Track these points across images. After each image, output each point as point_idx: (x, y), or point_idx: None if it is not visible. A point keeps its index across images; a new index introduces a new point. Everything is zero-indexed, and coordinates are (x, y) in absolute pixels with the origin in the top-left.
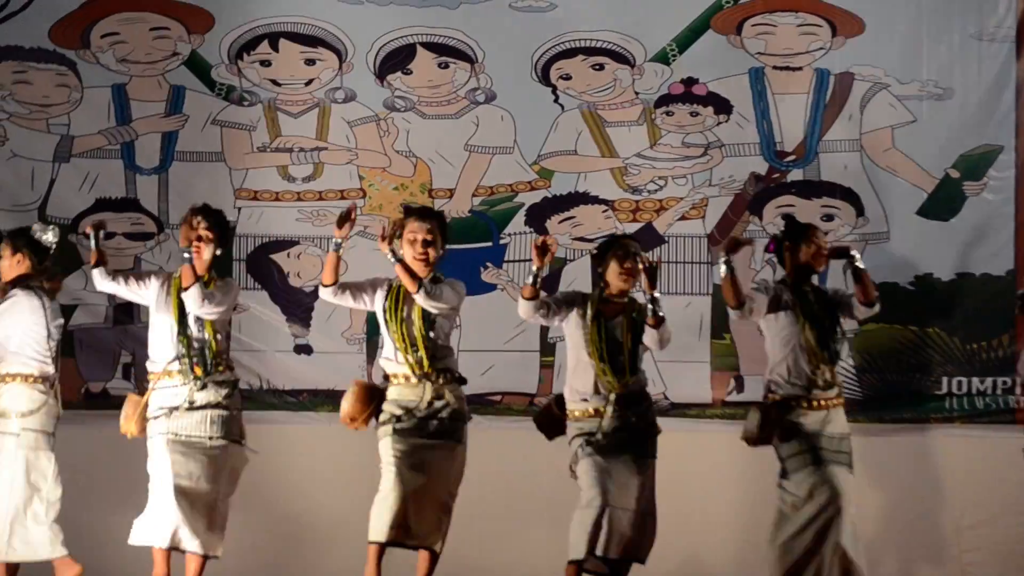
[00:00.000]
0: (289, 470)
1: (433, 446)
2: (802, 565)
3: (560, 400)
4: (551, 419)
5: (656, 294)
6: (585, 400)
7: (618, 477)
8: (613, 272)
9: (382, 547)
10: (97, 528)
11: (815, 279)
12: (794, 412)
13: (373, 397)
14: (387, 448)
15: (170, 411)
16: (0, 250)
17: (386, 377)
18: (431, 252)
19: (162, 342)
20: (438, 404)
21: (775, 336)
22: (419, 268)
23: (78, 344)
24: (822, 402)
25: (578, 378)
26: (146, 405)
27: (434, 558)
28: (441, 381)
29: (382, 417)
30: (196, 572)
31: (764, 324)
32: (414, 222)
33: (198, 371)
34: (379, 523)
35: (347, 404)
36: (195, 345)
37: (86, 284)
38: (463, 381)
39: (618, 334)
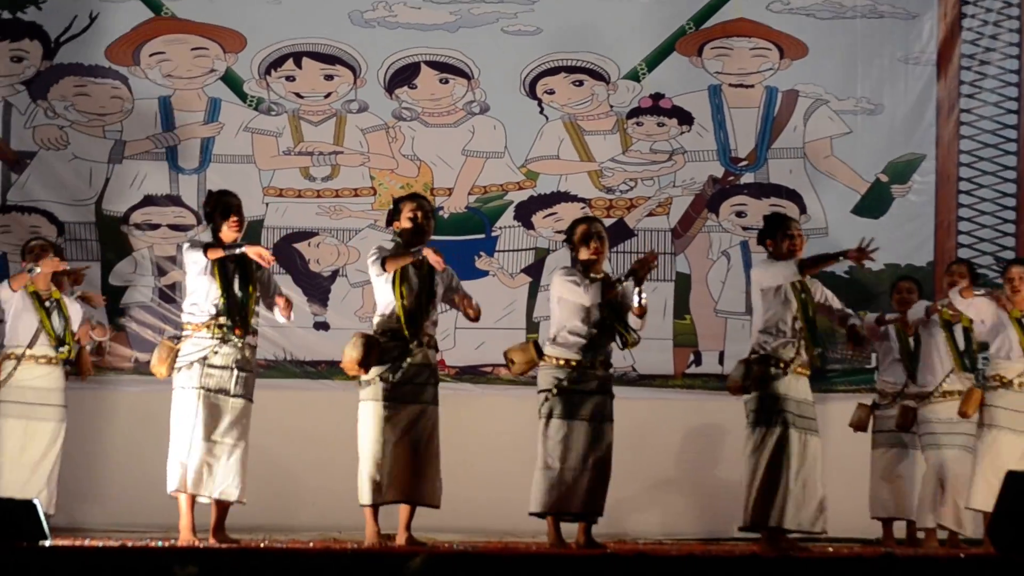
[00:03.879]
0: (307, 430)
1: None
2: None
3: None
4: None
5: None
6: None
7: (583, 438)
8: (584, 252)
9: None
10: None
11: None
12: (771, 370)
13: (374, 346)
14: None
15: (200, 362)
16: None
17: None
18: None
19: (206, 299)
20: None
21: (765, 308)
22: (419, 241)
23: (129, 320)
24: (797, 369)
25: (576, 336)
26: (178, 352)
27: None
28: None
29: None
30: (220, 517)
31: (759, 296)
32: (410, 201)
33: (239, 332)
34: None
35: (355, 351)
36: (238, 309)
37: (135, 268)
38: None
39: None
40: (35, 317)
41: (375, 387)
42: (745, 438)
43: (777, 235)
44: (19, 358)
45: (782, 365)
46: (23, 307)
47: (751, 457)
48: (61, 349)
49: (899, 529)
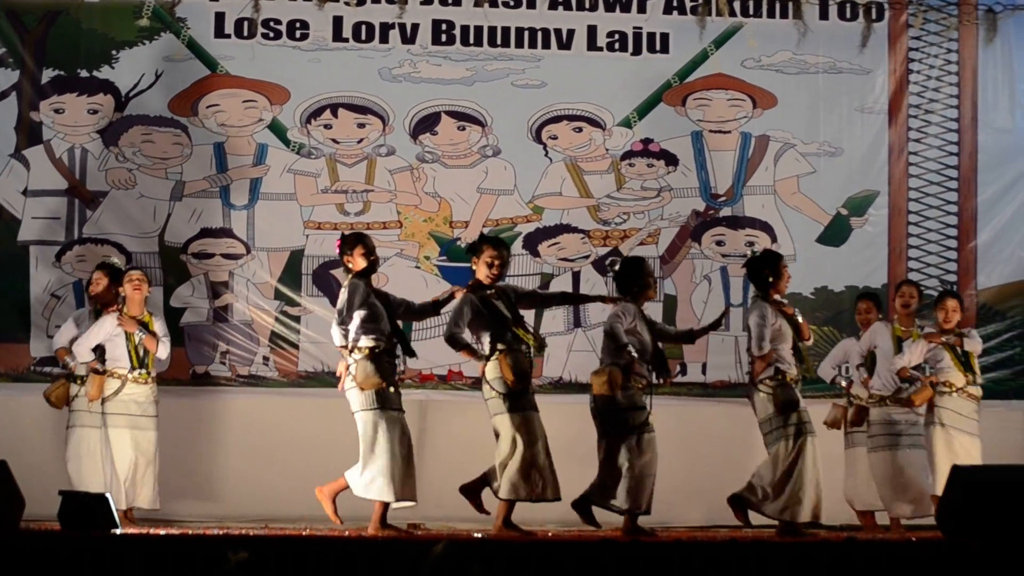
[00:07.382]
0: (340, 433)
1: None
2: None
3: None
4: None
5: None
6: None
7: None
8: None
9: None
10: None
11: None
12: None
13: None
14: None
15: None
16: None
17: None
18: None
19: (378, 327)
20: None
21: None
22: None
23: (186, 337)
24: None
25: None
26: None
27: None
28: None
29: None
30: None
31: (764, 331)
32: (492, 249)
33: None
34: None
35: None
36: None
37: (193, 292)
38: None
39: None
40: (124, 343)
41: (512, 399)
42: (783, 448)
43: (778, 268)
44: (122, 379)
45: (792, 381)
46: (115, 333)
47: (789, 463)
48: (135, 373)
49: (882, 517)
